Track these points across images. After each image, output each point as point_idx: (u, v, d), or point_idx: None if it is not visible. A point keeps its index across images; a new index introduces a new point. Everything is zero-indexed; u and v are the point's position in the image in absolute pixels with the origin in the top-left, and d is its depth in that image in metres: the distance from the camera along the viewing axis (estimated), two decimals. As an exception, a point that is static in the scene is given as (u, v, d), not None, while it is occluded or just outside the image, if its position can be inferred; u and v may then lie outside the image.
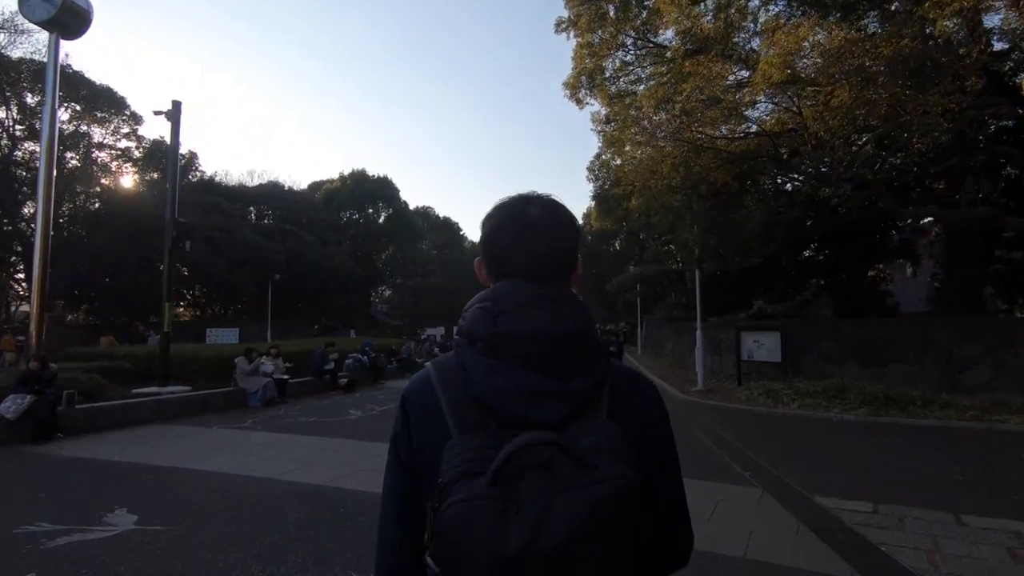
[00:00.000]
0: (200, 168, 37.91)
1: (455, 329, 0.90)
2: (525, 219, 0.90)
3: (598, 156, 16.07)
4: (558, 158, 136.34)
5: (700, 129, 9.74)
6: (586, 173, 16.58)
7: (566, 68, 15.25)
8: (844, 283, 20.76)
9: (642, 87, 13.83)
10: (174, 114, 9.62)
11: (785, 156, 10.42)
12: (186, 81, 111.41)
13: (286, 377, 10.98)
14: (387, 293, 60.95)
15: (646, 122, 10.81)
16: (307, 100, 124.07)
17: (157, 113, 9.57)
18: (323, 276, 37.07)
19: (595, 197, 16.50)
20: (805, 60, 8.69)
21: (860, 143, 9.68)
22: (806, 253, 21.88)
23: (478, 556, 0.66)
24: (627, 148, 12.82)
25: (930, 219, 17.01)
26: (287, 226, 37.22)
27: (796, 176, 11.75)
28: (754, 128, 10.44)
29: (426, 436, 0.83)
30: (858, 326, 13.48)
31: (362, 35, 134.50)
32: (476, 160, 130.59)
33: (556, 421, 0.76)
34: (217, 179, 41.75)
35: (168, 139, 9.87)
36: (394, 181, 55.33)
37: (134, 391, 9.50)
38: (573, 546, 0.65)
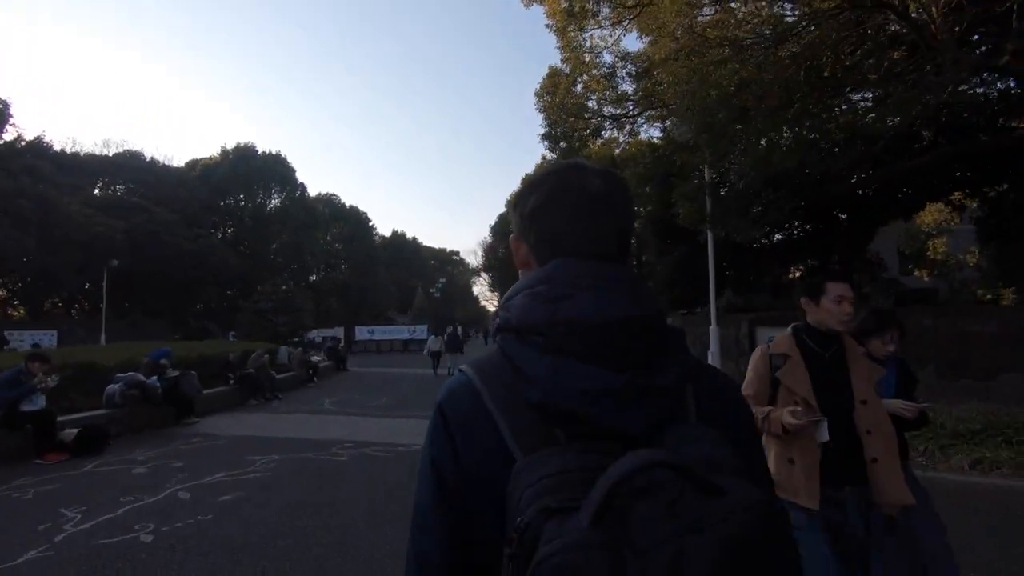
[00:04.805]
0: (14, 124, 28.92)
1: (497, 323, 0.71)
2: (587, 192, 0.74)
3: (553, 74, 10.97)
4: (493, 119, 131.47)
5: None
6: (534, 101, 11.34)
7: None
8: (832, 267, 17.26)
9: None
10: None
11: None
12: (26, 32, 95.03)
13: None
14: (283, 288, 52.97)
15: None
16: (199, 71, 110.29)
17: None
18: (187, 264, 29.43)
19: (547, 136, 11.40)
20: None
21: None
22: (779, 236, 18.33)
23: None
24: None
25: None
26: (137, 200, 29.17)
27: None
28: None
29: (475, 454, 0.67)
30: (939, 317, 9.28)
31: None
32: (389, 147, 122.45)
33: (645, 428, 0.61)
34: (47, 142, 32.72)
35: None
36: (289, 161, 47.73)
37: None
38: None
